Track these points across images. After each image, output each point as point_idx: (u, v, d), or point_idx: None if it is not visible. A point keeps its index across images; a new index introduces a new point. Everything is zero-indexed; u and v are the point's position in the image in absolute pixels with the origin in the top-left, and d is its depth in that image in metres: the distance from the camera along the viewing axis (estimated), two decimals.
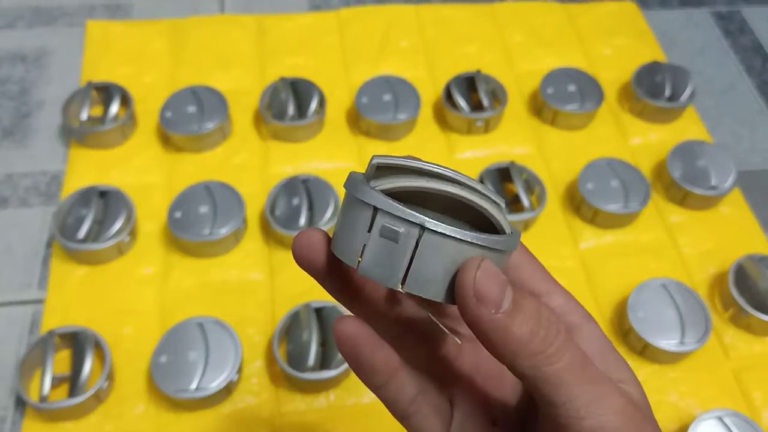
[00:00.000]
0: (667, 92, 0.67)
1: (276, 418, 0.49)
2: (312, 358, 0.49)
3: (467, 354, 0.28)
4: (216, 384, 0.48)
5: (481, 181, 0.60)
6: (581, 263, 0.58)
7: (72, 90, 0.64)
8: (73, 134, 0.62)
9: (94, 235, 0.55)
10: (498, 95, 0.66)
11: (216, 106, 0.63)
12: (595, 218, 0.59)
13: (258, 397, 0.50)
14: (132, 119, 0.63)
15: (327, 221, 0.56)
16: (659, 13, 0.80)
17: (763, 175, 0.66)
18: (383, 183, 0.23)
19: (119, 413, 0.49)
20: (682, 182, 0.60)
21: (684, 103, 0.67)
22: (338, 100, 0.67)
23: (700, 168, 0.62)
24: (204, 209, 0.56)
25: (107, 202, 0.57)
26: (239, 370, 0.50)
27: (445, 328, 0.28)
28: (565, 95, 0.66)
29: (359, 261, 0.22)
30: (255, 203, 0.59)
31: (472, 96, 0.67)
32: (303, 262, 0.25)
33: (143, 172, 0.61)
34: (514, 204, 0.59)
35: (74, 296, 0.54)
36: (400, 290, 0.22)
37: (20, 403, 0.49)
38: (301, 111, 0.64)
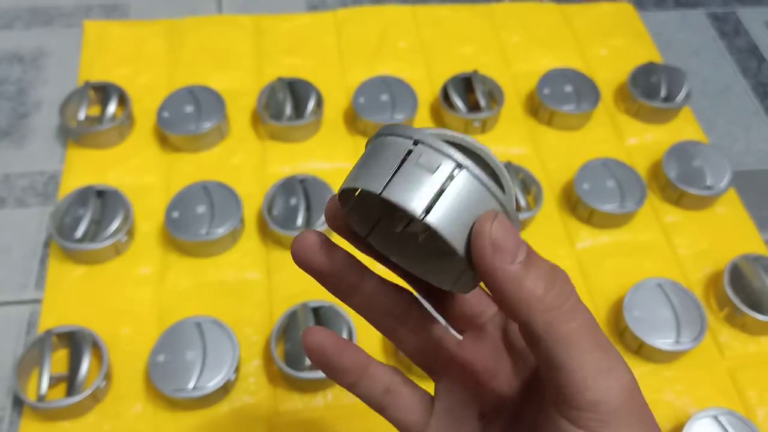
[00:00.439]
0: (663, 93, 0.68)
1: (273, 417, 0.49)
2: None
3: (461, 347, 0.28)
4: (213, 383, 0.48)
5: None
6: (577, 263, 0.58)
7: (69, 90, 0.64)
8: (71, 134, 0.62)
9: (91, 235, 0.55)
10: (495, 96, 0.66)
11: (213, 106, 0.63)
12: (591, 218, 0.60)
13: (255, 397, 0.50)
14: (129, 119, 0.63)
15: (324, 222, 0.56)
16: (655, 14, 0.80)
17: (758, 175, 0.66)
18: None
19: (117, 413, 0.49)
20: (677, 182, 0.61)
21: (680, 103, 0.67)
22: (335, 100, 0.67)
23: (696, 168, 0.62)
24: (201, 209, 0.56)
25: (104, 201, 0.57)
26: (237, 370, 0.50)
27: (442, 320, 0.29)
28: (562, 96, 0.66)
29: (385, 186, 0.22)
30: (252, 203, 0.59)
31: (469, 96, 0.67)
32: (303, 263, 0.26)
33: (141, 171, 0.61)
34: None
35: (71, 296, 0.54)
36: (419, 218, 0.21)
37: (18, 403, 0.49)
38: (299, 111, 0.64)
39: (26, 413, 0.48)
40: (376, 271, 0.27)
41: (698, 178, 0.61)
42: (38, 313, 0.53)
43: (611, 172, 0.61)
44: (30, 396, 0.48)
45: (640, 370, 0.53)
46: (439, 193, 0.21)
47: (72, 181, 0.60)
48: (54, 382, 0.49)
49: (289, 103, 0.64)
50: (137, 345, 0.51)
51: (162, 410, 0.49)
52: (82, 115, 0.63)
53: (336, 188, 0.58)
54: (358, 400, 0.28)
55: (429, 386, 0.30)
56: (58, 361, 0.50)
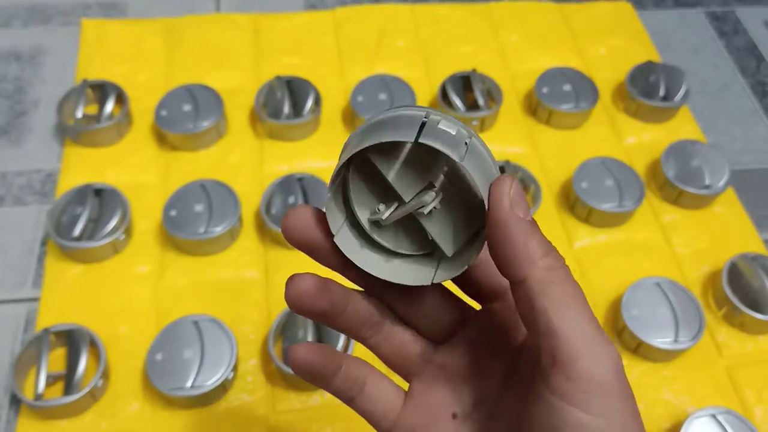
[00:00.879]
0: (662, 92, 0.68)
1: (271, 416, 0.49)
2: None
3: (436, 352, 0.29)
4: (211, 382, 0.48)
5: None
6: (576, 262, 0.58)
7: (67, 88, 0.64)
8: (68, 132, 0.62)
9: (89, 234, 0.55)
10: (493, 94, 0.66)
11: (211, 105, 0.63)
12: (589, 217, 0.60)
13: (253, 395, 0.50)
14: (127, 117, 0.63)
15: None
16: (654, 13, 0.80)
17: (756, 174, 0.66)
18: None
19: (114, 411, 0.49)
20: (676, 181, 0.61)
21: (678, 102, 0.67)
22: (334, 99, 0.67)
23: (694, 167, 0.62)
24: (199, 208, 0.56)
25: (102, 200, 0.57)
26: (234, 368, 0.50)
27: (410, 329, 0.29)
28: (560, 95, 0.66)
29: (417, 136, 0.23)
30: (250, 202, 0.59)
31: (467, 95, 0.67)
32: (297, 238, 0.27)
33: (138, 170, 0.61)
34: None
35: (69, 294, 0.53)
36: (460, 161, 0.23)
37: (15, 401, 0.49)
38: (297, 110, 0.64)
39: (23, 412, 0.48)
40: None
41: (697, 177, 0.61)
42: (36, 312, 0.53)
43: (610, 171, 0.61)
44: (27, 394, 0.48)
45: (638, 368, 0.53)
46: (467, 149, 0.23)
47: (70, 180, 0.59)
48: (51, 380, 0.49)
49: (287, 101, 0.64)
50: (135, 343, 0.51)
51: (160, 409, 0.49)
52: (79, 114, 0.63)
53: None
54: None
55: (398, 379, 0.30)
56: (55, 359, 0.50)
